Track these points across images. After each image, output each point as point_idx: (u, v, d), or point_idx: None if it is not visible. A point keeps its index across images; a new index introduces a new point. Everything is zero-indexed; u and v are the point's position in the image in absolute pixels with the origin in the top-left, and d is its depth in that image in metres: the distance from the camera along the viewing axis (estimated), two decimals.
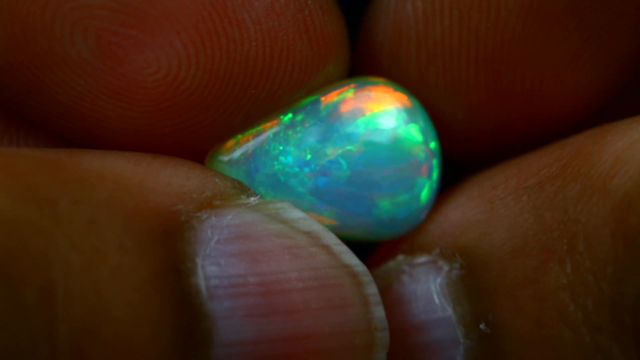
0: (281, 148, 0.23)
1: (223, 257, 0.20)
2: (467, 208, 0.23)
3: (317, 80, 0.23)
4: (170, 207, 0.20)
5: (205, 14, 0.21)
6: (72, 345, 0.17)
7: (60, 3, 0.20)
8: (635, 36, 0.23)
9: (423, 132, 0.23)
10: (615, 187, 0.19)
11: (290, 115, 0.23)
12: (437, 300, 0.22)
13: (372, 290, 0.21)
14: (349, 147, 0.22)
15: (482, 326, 0.21)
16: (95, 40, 0.21)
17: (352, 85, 0.23)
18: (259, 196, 0.21)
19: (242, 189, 0.21)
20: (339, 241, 0.21)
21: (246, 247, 0.20)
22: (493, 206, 0.22)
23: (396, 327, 0.22)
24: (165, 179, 0.21)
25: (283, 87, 0.22)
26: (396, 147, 0.23)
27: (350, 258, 0.21)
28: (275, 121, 0.23)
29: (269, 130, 0.23)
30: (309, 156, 0.22)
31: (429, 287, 0.22)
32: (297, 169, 0.22)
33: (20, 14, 0.21)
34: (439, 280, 0.22)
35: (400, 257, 0.23)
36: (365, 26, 0.24)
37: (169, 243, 0.20)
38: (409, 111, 0.23)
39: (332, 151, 0.22)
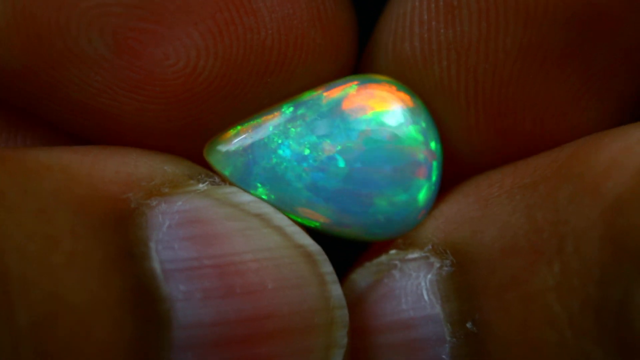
0: (280, 141, 0.22)
1: (176, 241, 0.20)
2: (462, 205, 0.22)
3: (328, 69, 0.23)
4: (120, 195, 0.20)
5: (221, 3, 0.21)
6: (33, 334, 0.17)
7: (74, 4, 0.21)
8: (635, 76, 0.23)
9: (424, 133, 0.23)
10: (608, 189, 0.19)
11: (291, 108, 0.23)
12: (426, 297, 0.22)
13: (327, 269, 0.21)
14: (348, 144, 0.22)
15: (468, 325, 0.21)
16: (112, 36, 0.21)
17: (356, 82, 0.23)
18: (208, 182, 0.22)
19: (192, 175, 0.21)
20: (290, 222, 0.21)
21: (198, 231, 0.20)
22: (487, 204, 0.22)
23: (384, 323, 0.22)
24: (114, 167, 0.21)
25: (297, 75, 0.22)
26: (396, 147, 0.22)
27: (304, 238, 0.21)
28: (276, 114, 0.23)
29: (269, 122, 0.23)
30: (307, 151, 0.22)
31: (419, 284, 0.22)
32: (295, 163, 0.22)
33: (35, 18, 0.21)
34: (429, 276, 0.22)
35: (392, 252, 0.23)
36: (365, 61, 0.24)
37: (121, 229, 0.20)
38: (411, 111, 0.23)
39: (330, 147, 0.22)
